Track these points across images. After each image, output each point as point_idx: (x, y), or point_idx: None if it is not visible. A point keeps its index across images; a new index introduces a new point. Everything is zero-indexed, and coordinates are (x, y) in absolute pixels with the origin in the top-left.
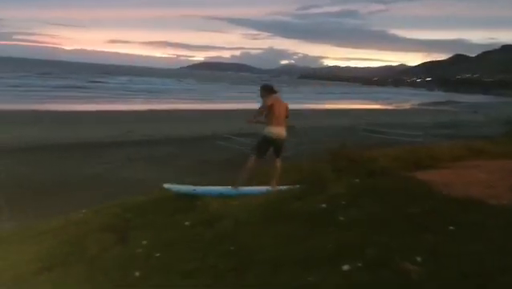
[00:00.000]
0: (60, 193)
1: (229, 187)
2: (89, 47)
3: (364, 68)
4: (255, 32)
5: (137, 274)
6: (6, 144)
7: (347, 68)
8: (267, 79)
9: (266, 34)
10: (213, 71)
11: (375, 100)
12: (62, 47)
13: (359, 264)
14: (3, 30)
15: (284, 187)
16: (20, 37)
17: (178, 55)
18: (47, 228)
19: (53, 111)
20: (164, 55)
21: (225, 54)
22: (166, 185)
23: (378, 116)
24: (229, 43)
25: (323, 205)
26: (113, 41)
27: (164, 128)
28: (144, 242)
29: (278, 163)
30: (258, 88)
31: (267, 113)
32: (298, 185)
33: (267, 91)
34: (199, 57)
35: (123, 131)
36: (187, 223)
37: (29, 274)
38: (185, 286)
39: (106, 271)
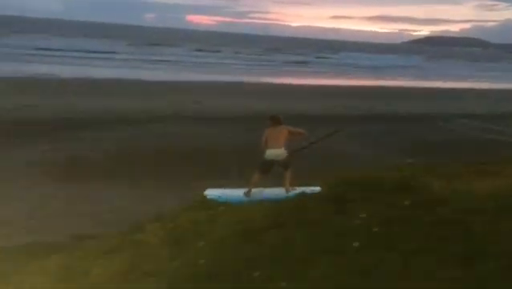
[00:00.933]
0: None
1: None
2: (312, 24)
3: None
4: (492, 2)
5: (356, 244)
6: (236, 113)
7: None
8: (501, 56)
9: (505, 4)
10: (438, 47)
11: None
12: (289, 24)
13: None
14: (241, 9)
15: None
16: (254, 15)
17: (400, 30)
18: None
19: (281, 84)
20: (384, 30)
21: (454, 28)
22: (206, 192)
23: None
24: (459, 16)
25: None
26: (335, 17)
27: (377, 105)
28: (363, 215)
29: (287, 173)
30: (494, 66)
31: (265, 140)
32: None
33: (270, 120)
34: (424, 31)
35: (337, 105)
36: (406, 202)
37: (257, 229)
38: (410, 265)
39: (325, 237)
